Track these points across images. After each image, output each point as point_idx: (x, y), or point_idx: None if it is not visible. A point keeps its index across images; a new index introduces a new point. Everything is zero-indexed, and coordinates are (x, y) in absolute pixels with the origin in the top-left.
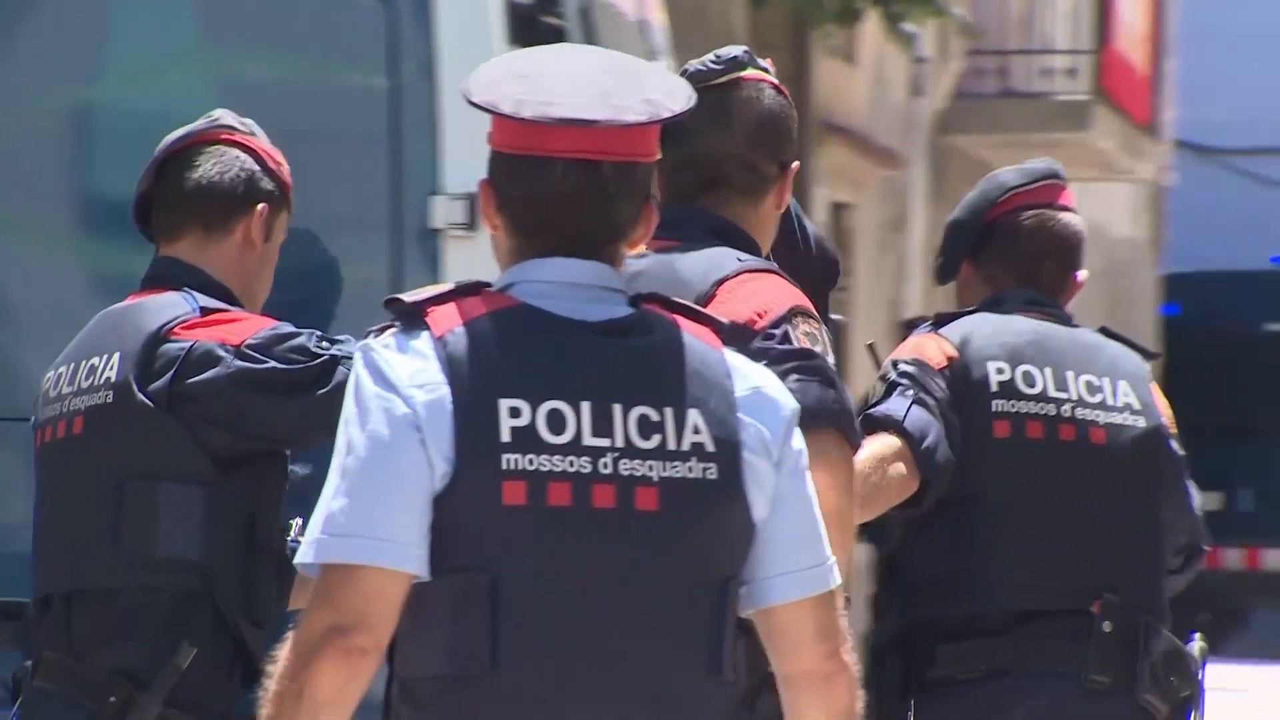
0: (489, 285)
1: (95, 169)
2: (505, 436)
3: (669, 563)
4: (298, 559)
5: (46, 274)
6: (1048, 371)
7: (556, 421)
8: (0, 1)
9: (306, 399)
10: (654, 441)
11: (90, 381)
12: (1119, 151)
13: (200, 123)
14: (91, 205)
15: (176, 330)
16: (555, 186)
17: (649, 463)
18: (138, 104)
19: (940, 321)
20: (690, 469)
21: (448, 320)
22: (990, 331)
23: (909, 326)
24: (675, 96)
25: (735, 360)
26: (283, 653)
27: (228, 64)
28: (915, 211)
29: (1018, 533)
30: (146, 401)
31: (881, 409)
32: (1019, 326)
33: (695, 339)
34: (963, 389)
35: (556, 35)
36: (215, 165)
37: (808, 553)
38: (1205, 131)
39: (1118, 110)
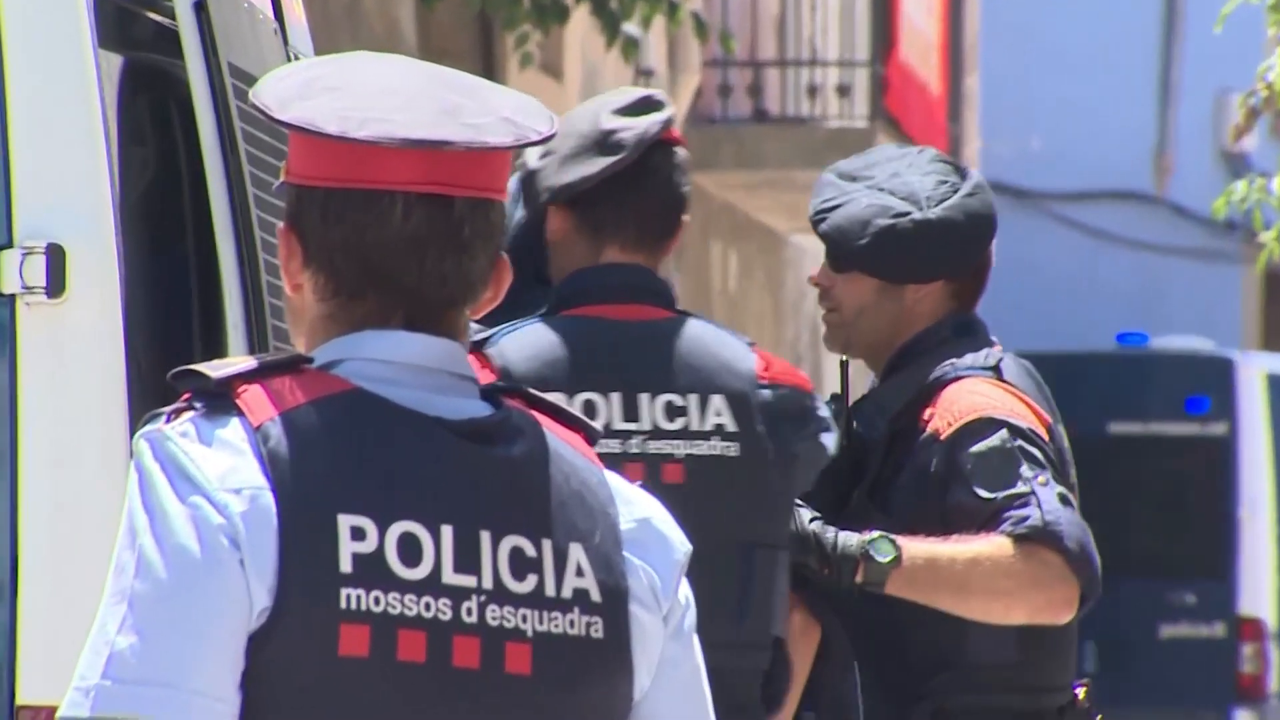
0: (308, 361)
1: None
2: (345, 565)
3: None
4: (62, 713)
5: None
6: None
7: (410, 549)
8: None
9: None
10: (529, 584)
11: (681, 424)
12: None
13: (662, 116)
14: None
15: (761, 374)
16: (394, 230)
17: (522, 611)
18: None
19: (998, 367)
20: (571, 623)
21: (266, 404)
22: (1036, 383)
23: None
24: (534, 116)
25: (616, 481)
26: None
27: None
28: None
29: (1067, 628)
30: (774, 456)
31: (1045, 519)
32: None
33: (570, 449)
34: (1058, 462)
35: (164, 36)
36: (682, 173)
37: None
38: (1020, 170)
39: (907, 141)
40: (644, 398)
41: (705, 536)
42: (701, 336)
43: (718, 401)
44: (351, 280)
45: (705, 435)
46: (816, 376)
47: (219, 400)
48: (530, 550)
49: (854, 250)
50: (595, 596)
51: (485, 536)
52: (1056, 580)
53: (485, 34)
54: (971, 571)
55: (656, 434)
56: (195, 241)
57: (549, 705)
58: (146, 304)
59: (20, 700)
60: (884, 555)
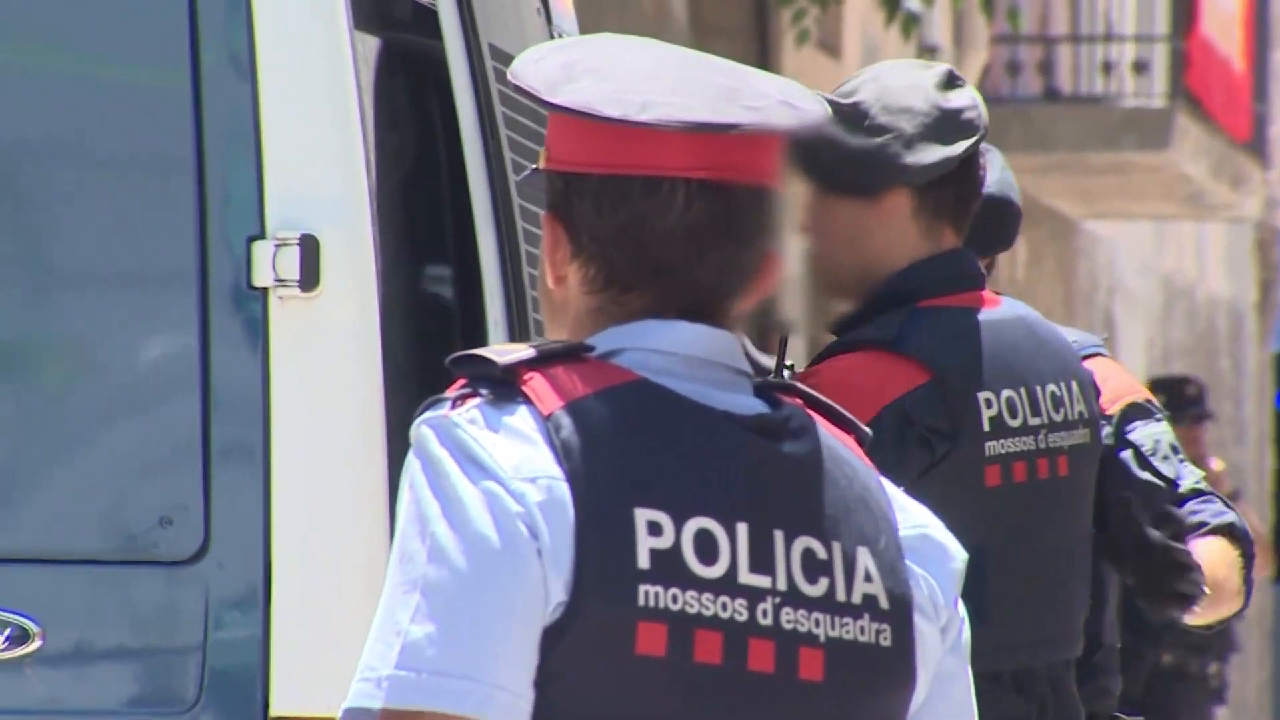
0: (590, 349)
1: None
2: (643, 560)
3: None
4: (351, 703)
5: None
6: None
7: (707, 546)
8: None
9: None
10: (821, 587)
11: (1062, 415)
12: (1211, 178)
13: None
14: None
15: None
16: (675, 218)
17: (815, 615)
18: None
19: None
20: (862, 630)
21: (553, 393)
22: None
23: None
24: (806, 98)
25: (891, 489)
26: None
27: None
28: None
29: None
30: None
31: (1237, 519)
32: None
33: (850, 452)
34: None
35: (422, 16)
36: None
37: None
38: None
39: (1208, 121)
40: (1038, 389)
41: (1077, 527)
42: (1039, 319)
43: (1076, 388)
44: (627, 271)
45: (1074, 424)
46: None
47: (504, 388)
48: (821, 552)
49: None
50: (883, 604)
51: (779, 536)
52: (1243, 580)
53: (759, 10)
54: (1227, 579)
55: (1052, 426)
56: (454, 232)
57: (839, 714)
58: (403, 298)
59: (273, 712)
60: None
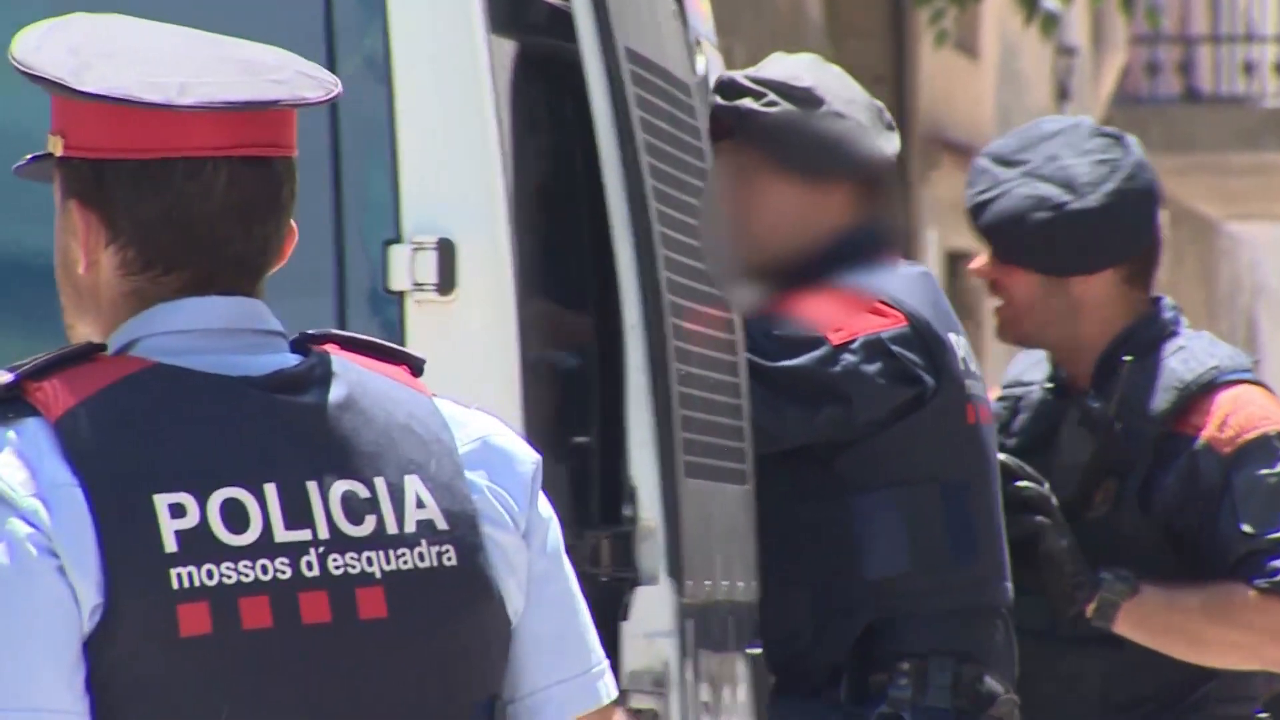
0: (101, 349)
1: None
2: (170, 545)
3: (410, 685)
4: None
5: None
6: None
7: (236, 515)
8: None
9: None
10: (368, 526)
11: (976, 365)
12: None
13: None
14: None
15: None
16: (219, 197)
17: (366, 554)
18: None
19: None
20: (421, 556)
21: (61, 398)
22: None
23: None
24: (315, 67)
25: (448, 407)
26: None
27: None
28: None
29: None
30: None
31: None
32: None
33: (393, 383)
34: None
35: (557, 20)
36: None
37: (576, 655)
38: None
39: None
40: (961, 339)
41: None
42: None
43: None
44: (170, 252)
45: (979, 377)
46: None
47: (12, 404)
48: (364, 492)
49: (1014, 246)
50: (441, 525)
51: (312, 487)
52: None
53: (896, 10)
54: (1209, 624)
55: (975, 376)
56: (591, 235)
57: (414, 643)
58: (540, 302)
59: None
60: (1122, 582)
